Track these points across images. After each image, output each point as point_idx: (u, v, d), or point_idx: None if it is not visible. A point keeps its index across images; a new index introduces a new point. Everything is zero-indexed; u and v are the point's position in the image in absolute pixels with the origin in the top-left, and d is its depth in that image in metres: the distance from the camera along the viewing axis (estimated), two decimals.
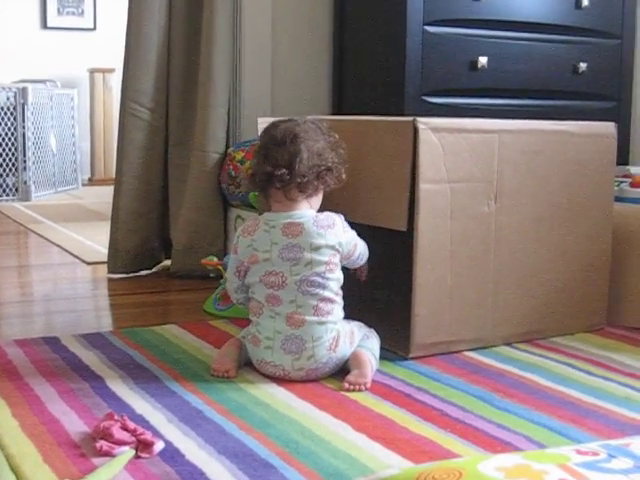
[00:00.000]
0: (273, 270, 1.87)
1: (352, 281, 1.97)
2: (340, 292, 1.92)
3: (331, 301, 1.88)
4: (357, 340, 1.93)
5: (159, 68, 3.02)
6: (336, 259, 1.89)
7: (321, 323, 1.86)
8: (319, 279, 1.86)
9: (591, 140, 2.27)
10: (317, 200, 1.96)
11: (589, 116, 2.90)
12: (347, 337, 1.90)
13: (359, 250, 1.97)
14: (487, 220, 2.10)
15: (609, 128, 2.31)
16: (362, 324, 2.02)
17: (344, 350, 1.88)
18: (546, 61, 3.16)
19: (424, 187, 1.98)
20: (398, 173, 2.00)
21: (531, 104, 3.16)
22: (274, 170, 1.87)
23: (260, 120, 2.21)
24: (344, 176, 1.96)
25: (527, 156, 2.14)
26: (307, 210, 1.91)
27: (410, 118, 1.98)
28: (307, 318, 1.85)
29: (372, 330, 2.02)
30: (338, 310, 1.90)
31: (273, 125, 1.94)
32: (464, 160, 2.04)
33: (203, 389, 1.80)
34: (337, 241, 1.88)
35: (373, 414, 1.68)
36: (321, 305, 1.86)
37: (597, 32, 3.28)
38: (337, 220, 1.91)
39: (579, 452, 1.02)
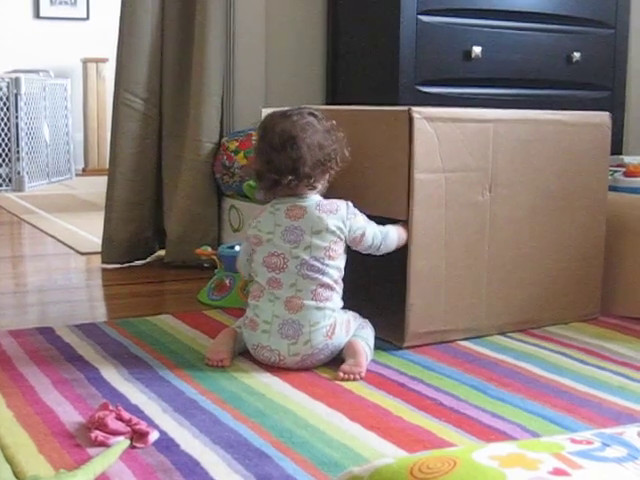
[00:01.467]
0: (275, 251, 1.88)
1: (347, 270, 1.97)
2: (340, 282, 1.92)
3: (330, 287, 1.88)
4: (353, 329, 1.94)
5: (153, 58, 3.01)
6: (337, 246, 1.89)
7: (319, 308, 1.86)
8: (318, 264, 1.87)
9: (585, 130, 2.27)
10: (323, 186, 1.98)
11: (583, 105, 2.90)
12: (344, 326, 1.90)
13: (371, 238, 1.94)
14: (482, 209, 2.10)
15: (603, 118, 2.31)
16: (357, 314, 2.02)
17: (340, 338, 1.89)
18: (540, 50, 3.16)
19: (419, 177, 1.98)
20: (395, 162, 2.00)
21: (525, 94, 3.16)
22: (280, 178, 1.88)
23: (264, 111, 2.21)
24: (347, 154, 1.97)
25: (522, 146, 2.14)
26: (313, 195, 1.94)
27: (405, 107, 1.98)
28: (305, 302, 1.86)
29: (367, 321, 2.03)
30: (337, 298, 1.91)
31: (269, 127, 1.92)
32: (459, 150, 2.04)
33: (198, 379, 1.80)
34: (338, 226, 1.89)
35: (368, 403, 1.68)
36: (320, 290, 1.87)
37: (591, 21, 3.27)
38: (341, 206, 1.92)
39: (573, 441, 1.03)
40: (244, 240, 2.01)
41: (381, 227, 1.98)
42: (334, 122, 1.98)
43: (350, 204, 1.94)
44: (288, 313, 1.87)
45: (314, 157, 1.89)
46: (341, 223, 1.90)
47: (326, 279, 1.88)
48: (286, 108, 1.96)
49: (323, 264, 1.87)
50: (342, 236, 1.90)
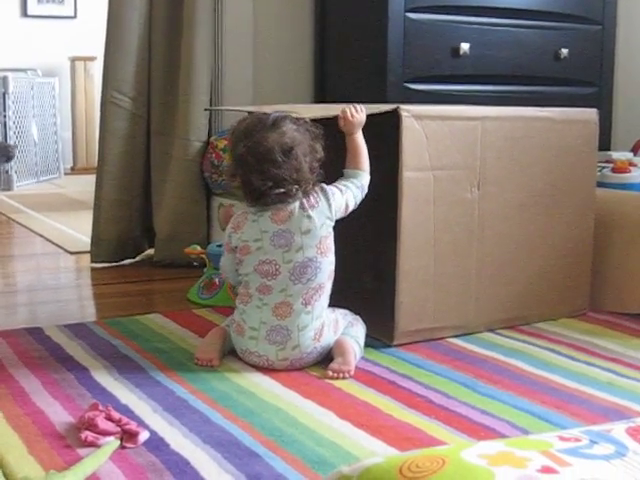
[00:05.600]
0: (266, 259, 1.86)
1: (337, 267, 1.96)
2: (332, 274, 1.91)
3: (322, 288, 1.88)
4: (341, 328, 1.94)
5: (140, 56, 3.01)
6: (329, 239, 1.88)
7: (307, 312, 1.86)
8: (311, 264, 1.86)
9: (573, 126, 2.27)
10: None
11: (571, 102, 2.90)
12: (331, 326, 1.91)
13: (353, 203, 1.94)
14: (470, 207, 2.10)
15: (591, 114, 2.31)
16: (347, 312, 2.02)
17: (328, 339, 1.89)
18: (528, 47, 3.16)
19: (407, 175, 1.98)
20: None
21: (513, 90, 3.16)
22: (288, 191, 1.83)
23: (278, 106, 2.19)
24: (320, 149, 1.90)
25: (509, 143, 2.15)
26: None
27: (393, 105, 1.98)
28: (295, 307, 1.85)
29: (357, 317, 2.03)
30: (325, 298, 1.91)
31: (257, 140, 1.84)
32: (447, 147, 2.04)
33: (187, 378, 1.80)
34: (326, 216, 1.88)
35: (357, 402, 1.69)
36: (310, 293, 1.86)
37: (578, 18, 3.28)
38: (320, 194, 1.89)
39: (561, 438, 1.03)
40: (226, 251, 1.95)
41: (355, 182, 1.95)
42: (308, 120, 1.91)
43: (324, 186, 1.90)
44: (276, 319, 1.86)
45: (309, 162, 1.86)
46: (328, 212, 1.88)
47: (319, 278, 1.87)
48: (260, 115, 1.89)
49: (317, 262, 1.86)
50: (332, 224, 1.90)
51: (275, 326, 1.86)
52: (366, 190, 1.97)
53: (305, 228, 1.86)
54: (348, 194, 1.94)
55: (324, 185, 1.91)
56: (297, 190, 1.85)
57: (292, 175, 1.83)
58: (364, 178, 1.98)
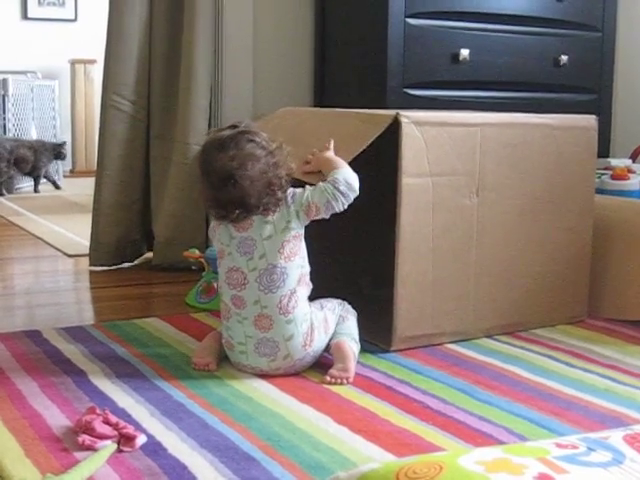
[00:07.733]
0: (234, 266, 1.86)
1: (337, 269, 1.96)
2: (304, 279, 1.89)
3: (294, 294, 1.85)
4: (332, 326, 1.93)
5: (140, 60, 3.01)
6: (292, 243, 1.85)
7: (289, 321, 1.84)
8: (276, 270, 1.83)
9: (572, 133, 2.27)
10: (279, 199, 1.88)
11: (570, 109, 2.91)
12: (321, 327, 1.89)
13: (321, 197, 1.85)
14: (469, 213, 2.10)
15: (590, 121, 2.31)
16: (335, 303, 1.99)
17: (320, 342, 1.89)
18: (527, 54, 3.16)
19: (406, 181, 1.98)
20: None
21: (513, 97, 3.16)
22: (228, 214, 1.84)
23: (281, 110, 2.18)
24: (293, 165, 1.88)
25: (509, 149, 2.15)
26: None
27: (393, 111, 1.98)
28: (274, 318, 1.84)
29: (347, 307, 2.02)
30: (304, 303, 1.88)
31: (207, 163, 1.84)
32: (446, 154, 2.04)
33: (185, 382, 1.80)
34: (287, 220, 1.85)
35: (355, 407, 1.68)
36: (284, 301, 1.84)
37: (578, 25, 3.29)
38: (282, 198, 1.86)
39: (558, 445, 1.03)
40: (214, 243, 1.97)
41: (325, 183, 1.86)
42: (273, 143, 1.86)
43: (291, 190, 1.87)
44: (260, 332, 1.85)
45: (257, 187, 1.81)
46: (287, 216, 1.85)
47: (288, 285, 1.84)
48: (224, 133, 1.85)
49: (281, 268, 1.84)
50: (295, 228, 1.85)
51: (261, 339, 1.85)
52: (343, 183, 1.85)
53: (266, 234, 1.84)
54: (312, 192, 1.86)
55: (292, 189, 1.88)
56: (240, 214, 1.83)
57: (233, 200, 1.81)
58: (336, 174, 1.87)
